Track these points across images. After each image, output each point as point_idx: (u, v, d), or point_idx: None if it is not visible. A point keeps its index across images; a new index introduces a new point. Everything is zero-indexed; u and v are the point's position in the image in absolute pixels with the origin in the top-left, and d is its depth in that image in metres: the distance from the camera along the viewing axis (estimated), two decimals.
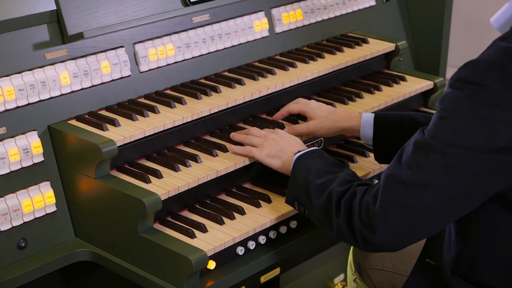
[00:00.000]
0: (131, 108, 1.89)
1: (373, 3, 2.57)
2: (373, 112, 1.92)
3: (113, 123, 1.82)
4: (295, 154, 1.72)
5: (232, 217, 1.75)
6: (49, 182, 1.79)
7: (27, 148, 1.75)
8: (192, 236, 1.67)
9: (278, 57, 2.26)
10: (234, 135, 1.90)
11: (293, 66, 2.18)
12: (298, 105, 1.99)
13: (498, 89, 1.35)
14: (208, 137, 1.95)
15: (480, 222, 1.51)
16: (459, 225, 1.55)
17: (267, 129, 1.90)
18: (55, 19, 1.84)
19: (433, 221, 1.45)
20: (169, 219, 1.76)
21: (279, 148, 1.78)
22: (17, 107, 1.77)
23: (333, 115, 1.93)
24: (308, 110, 1.96)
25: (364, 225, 1.48)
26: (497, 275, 1.52)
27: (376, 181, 1.89)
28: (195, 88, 2.01)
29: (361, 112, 1.94)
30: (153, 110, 1.88)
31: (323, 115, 1.94)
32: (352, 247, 2.08)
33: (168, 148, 1.89)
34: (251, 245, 1.73)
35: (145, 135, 1.82)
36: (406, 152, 1.46)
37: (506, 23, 1.49)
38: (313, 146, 1.96)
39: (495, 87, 1.35)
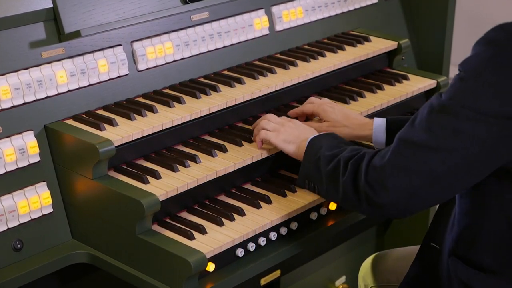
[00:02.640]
0: (129, 108, 1.89)
1: (375, 0, 2.56)
2: (384, 117, 1.91)
3: (111, 122, 1.81)
4: (310, 137, 1.74)
5: (231, 219, 1.74)
6: (45, 183, 1.78)
7: (23, 148, 1.74)
8: (191, 237, 1.67)
9: (278, 55, 2.26)
10: (253, 126, 1.92)
11: (294, 64, 2.17)
12: (312, 106, 1.97)
13: None
14: (207, 137, 1.95)
15: (485, 199, 1.51)
16: (464, 202, 1.55)
17: (284, 117, 1.90)
18: (52, 17, 1.84)
19: (439, 188, 1.45)
20: (168, 220, 1.75)
21: (296, 134, 1.80)
22: (13, 107, 1.76)
23: (347, 121, 1.92)
24: (321, 112, 1.95)
25: (369, 185, 1.49)
26: (495, 256, 1.52)
27: None
28: (194, 87, 2.00)
29: (373, 118, 1.92)
30: (152, 109, 1.87)
31: (337, 119, 1.92)
32: (360, 270, 2.08)
33: (166, 148, 1.88)
34: (251, 247, 1.73)
35: (143, 135, 1.81)
36: (420, 114, 1.47)
37: None
38: None
39: None
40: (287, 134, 1.81)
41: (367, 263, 2.06)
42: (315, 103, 1.98)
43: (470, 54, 1.42)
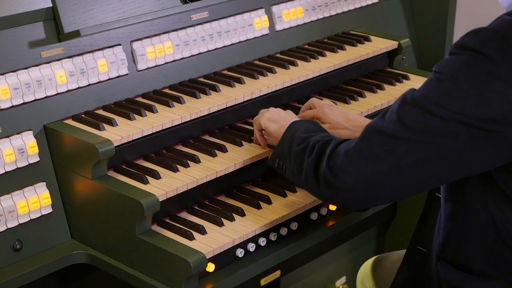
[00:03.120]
0: (129, 108, 1.88)
1: (375, 0, 2.54)
2: None
3: (110, 122, 1.80)
4: (292, 120, 1.75)
5: (231, 219, 1.73)
6: (44, 183, 1.77)
7: (22, 148, 1.74)
8: (191, 238, 1.66)
9: (278, 55, 2.25)
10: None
11: (294, 64, 2.17)
12: (312, 111, 1.95)
13: (496, 58, 1.35)
14: (207, 137, 1.94)
15: (470, 203, 1.50)
16: (448, 206, 1.55)
17: None
18: (51, 16, 1.84)
19: (401, 179, 1.43)
20: (167, 220, 1.75)
21: (282, 115, 1.82)
22: (12, 106, 1.76)
23: (348, 123, 1.90)
24: (321, 115, 1.93)
25: (329, 169, 1.49)
26: (484, 259, 1.51)
27: None
28: (194, 87, 2.00)
29: (373, 119, 1.90)
30: (151, 109, 1.87)
31: (338, 121, 1.91)
32: (358, 275, 2.07)
33: (166, 148, 1.88)
34: (251, 247, 1.72)
35: (143, 135, 1.81)
36: (392, 107, 1.47)
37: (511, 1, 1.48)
38: None
39: (494, 56, 1.35)
40: (272, 113, 1.83)
41: (365, 267, 2.05)
42: (315, 107, 1.96)
43: (446, 57, 1.43)
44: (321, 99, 1.99)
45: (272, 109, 1.85)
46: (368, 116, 2.10)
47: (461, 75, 1.38)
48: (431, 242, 1.64)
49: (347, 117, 1.89)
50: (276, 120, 1.80)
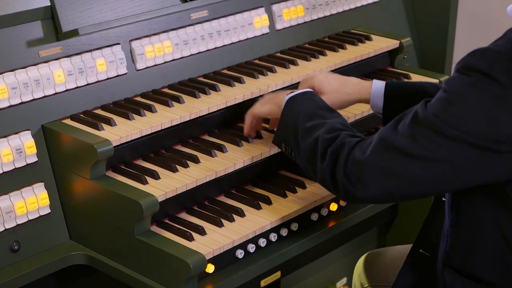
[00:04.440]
0: (128, 107, 1.88)
1: None
2: (385, 81, 1.89)
3: (109, 122, 1.80)
4: (287, 95, 1.75)
5: (231, 219, 1.73)
6: (43, 183, 1.77)
7: (20, 148, 1.73)
8: (190, 238, 1.66)
9: (278, 54, 2.25)
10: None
11: (294, 63, 2.16)
12: (307, 82, 1.93)
13: (503, 81, 1.37)
14: (206, 137, 1.94)
15: (477, 214, 1.51)
16: (455, 215, 1.56)
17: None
18: (49, 15, 1.83)
19: (416, 189, 1.48)
20: (167, 221, 1.74)
21: (271, 96, 1.84)
22: (10, 106, 1.75)
23: (344, 88, 1.90)
24: (316, 84, 1.91)
25: (348, 179, 1.52)
26: (492, 268, 1.52)
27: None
28: (194, 87, 1.99)
29: (372, 80, 1.90)
30: (150, 109, 1.86)
31: (333, 89, 1.89)
32: (355, 268, 2.08)
33: (165, 148, 1.87)
34: (251, 248, 1.72)
35: (142, 135, 1.80)
36: (404, 120, 1.49)
37: None
38: None
39: (501, 79, 1.37)
40: (262, 100, 1.85)
41: (364, 261, 2.04)
42: (310, 78, 1.93)
43: (454, 74, 1.45)
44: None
45: (260, 98, 1.87)
46: (369, 116, 2.09)
47: (471, 98, 1.40)
48: (435, 247, 1.64)
49: (342, 82, 1.90)
50: (266, 102, 1.82)
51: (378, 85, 1.86)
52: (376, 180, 1.48)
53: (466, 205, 1.51)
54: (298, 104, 1.71)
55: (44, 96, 1.80)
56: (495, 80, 1.36)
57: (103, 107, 1.89)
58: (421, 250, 1.70)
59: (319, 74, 1.93)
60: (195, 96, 1.94)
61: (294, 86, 2.10)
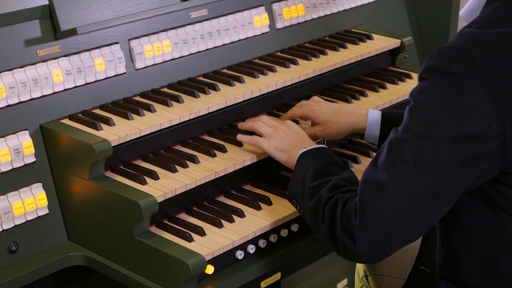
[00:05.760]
0: (126, 107, 1.87)
1: None
2: (380, 110, 1.89)
3: (108, 122, 1.79)
4: (300, 150, 1.71)
5: (231, 220, 1.72)
6: (41, 184, 1.76)
7: (18, 148, 1.73)
8: (190, 239, 1.65)
9: (279, 53, 2.24)
10: (243, 125, 1.90)
11: (295, 63, 2.16)
12: (301, 109, 1.94)
13: (463, 75, 1.36)
14: (206, 137, 1.93)
15: (459, 220, 1.51)
16: (441, 226, 1.55)
17: (279, 121, 1.88)
18: (48, 14, 1.83)
19: (411, 223, 1.43)
20: (166, 222, 1.74)
21: (288, 141, 1.77)
22: (8, 106, 1.75)
23: (338, 117, 1.89)
24: (310, 114, 1.92)
25: (345, 233, 1.47)
26: (482, 276, 1.52)
27: None
28: (193, 86, 1.99)
29: (366, 109, 1.90)
30: (149, 108, 1.86)
31: (326, 118, 1.89)
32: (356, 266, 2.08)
33: (164, 148, 1.87)
34: (251, 249, 1.71)
35: (141, 135, 1.80)
36: (382, 153, 1.46)
37: (471, 13, 1.51)
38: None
39: (460, 73, 1.36)
40: (278, 141, 1.77)
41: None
42: (303, 106, 1.94)
43: (417, 84, 1.43)
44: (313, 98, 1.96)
45: (276, 133, 1.78)
46: None
47: (435, 99, 1.38)
48: (433, 261, 1.64)
49: (335, 111, 1.89)
50: (283, 149, 1.76)
51: (374, 114, 1.86)
52: (368, 225, 1.42)
53: (450, 214, 1.49)
54: (309, 160, 1.67)
55: (42, 96, 1.80)
56: (454, 75, 1.36)
57: (101, 107, 1.88)
58: (422, 267, 1.69)
59: (313, 103, 1.93)
60: (194, 96, 1.93)
61: (295, 85, 2.10)
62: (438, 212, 1.45)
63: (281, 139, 1.77)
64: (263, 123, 1.84)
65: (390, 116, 1.85)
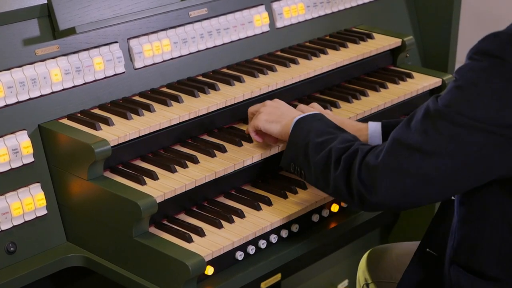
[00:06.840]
0: (126, 107, 1.87)
1: None
2: (379, 121, 1.89)
3: (107, 122, 1.79)
4: (295, 117, 1.73)
5: (231, 221, 1.72)
6: (39, 184, 1.76)
7: (16, 148, 1.72)
8: (189, 240, 1.65)
9: (279, 53, 2.24)
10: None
11: (295, 62, 2.15)
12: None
13: None
14: (206, 137, 1.93)
15: (486, 207, 1.51)
16: (464, 210, 1.56)
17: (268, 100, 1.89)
18: (46, 13, 1.82)
19: (432, 189, 1.47)
20: (165, 222, 1.73)
21: (277, 113, 1.80)
22: (6, 105, 1.75)
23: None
24: None
25: (363, 184, 1.51)
26: (498, 264, 1.52)
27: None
28: (193, 86, 1.98)
29: (367, 122, 1.89)
30: (149, 108, 1.85)
31: None
32: (359, 265, 2.08)
33: (164, 149, 1.86)
34: (251, 249, 1.71)
35: (140, 135, 1.79)
36: (416, 117, 1.48)
37: None
38: None
39: None
40: (268, 113, 1.80)
41: (368, 258, 2.04)
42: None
43: (465, 62, 1.44)
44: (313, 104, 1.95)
45: (264, 108, 1.82)
46: (371, 116, 2.07)
47: (481, 82, 1.39)
48: (443, 245, 1.64)
49: (339, 123, 1.86)
50: (274, 120, 1.78)
51: (374, 126, 1.87)
52: (389, 182, 1.47)
53: (476, 199, 1.50)
54: (308, 124, 1.70)
55: (41, 96, 1.79)
56: (507, 61, 1.36)
57: (100, 107, 1.88)
58: (428, 250, 1.70)
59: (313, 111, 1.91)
60: (194, 96, 1.93)
61: (295, 85, 2.10)
62: (460, 187, 1.47)
63: (270, 111, 1.81)
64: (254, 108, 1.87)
65: (390, 126, 1.84)
